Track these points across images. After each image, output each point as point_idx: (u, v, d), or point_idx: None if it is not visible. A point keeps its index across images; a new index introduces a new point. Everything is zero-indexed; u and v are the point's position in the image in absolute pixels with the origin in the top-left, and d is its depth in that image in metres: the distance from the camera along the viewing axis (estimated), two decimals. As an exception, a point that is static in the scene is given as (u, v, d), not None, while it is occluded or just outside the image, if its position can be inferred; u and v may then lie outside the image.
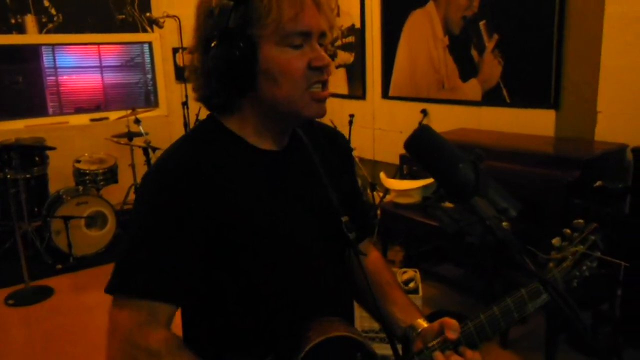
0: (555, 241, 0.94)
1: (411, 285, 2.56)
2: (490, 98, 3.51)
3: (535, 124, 3.24)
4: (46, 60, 6.33)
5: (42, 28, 4.94)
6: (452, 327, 0.90)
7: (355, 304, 1.16)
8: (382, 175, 3.36)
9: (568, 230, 0.96)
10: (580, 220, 0.96)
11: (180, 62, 5.54)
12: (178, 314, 0.96)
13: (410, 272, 2.61)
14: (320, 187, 1.00)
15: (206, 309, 0.94)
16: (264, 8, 0.84)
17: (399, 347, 1.02)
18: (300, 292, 0.96)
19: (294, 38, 0.86)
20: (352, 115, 3.65)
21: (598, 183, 2.38)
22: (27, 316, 3.29)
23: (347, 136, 3.98)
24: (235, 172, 0.92)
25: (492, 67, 3.46)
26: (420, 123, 0.80)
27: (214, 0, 0.88)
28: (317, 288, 0.99)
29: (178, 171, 0.88)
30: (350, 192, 1.09)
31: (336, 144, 1.11)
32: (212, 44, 0.87)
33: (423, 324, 0.99)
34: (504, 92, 3.41)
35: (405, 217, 2.97)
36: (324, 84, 0.91)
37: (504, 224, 0.71)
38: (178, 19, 4.83)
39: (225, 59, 0.85)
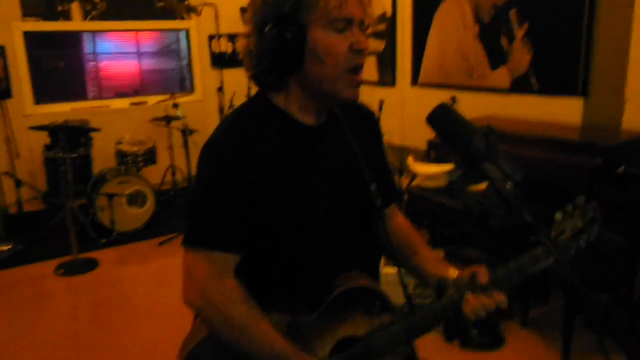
0: (558, 215, 1.06)
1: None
2: (519, 86, 3.57)
3: (563, 111, 3.29)
4: (87, 46, 6.62)
5: (86, 15, 5.17)
6: (481, 273, 1.04)
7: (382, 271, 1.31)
8: (409, 159, 3.48)
9: (570, 206, 1.08)
10: (582, 197, 1.07)
11: (216, 49, 5.72)
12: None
13: (436, 252, 2.73)
14: (352, 158, 1.14)
15: (251, 259, 1.09)
16: None
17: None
18: (329, 250, 1.11)
19: (338, 23, 1.00)
20: (382, 101, 3.77)
21: (620, 169, 2.44)
22: (75, 285, 3.54)
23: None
24: (279, 142, 1.06)
25: (521, 55, 3.52)
26: (442, 103, 0.89)
27: None
28: (345, 246, 1.14)
29: (231, 142, 1.03)
30: (378, 164, 1.23)
31: (367, 121, 1.26)
32: (267, 28, 1.01)
33: (454, 273, 1.13)
34: (533, 80, 3.46)
35: (432, 200, 3.08)
36: (360, 68, 1.05)
37: (508, 186, 0.84)
38: (215, 7, 5.00)
39: (279, 40, 1.00)
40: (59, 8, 5.03)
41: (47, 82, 5.40)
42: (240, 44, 1.09)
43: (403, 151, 4.73)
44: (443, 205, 3.04)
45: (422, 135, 4.14)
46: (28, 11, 4.90)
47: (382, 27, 4.83)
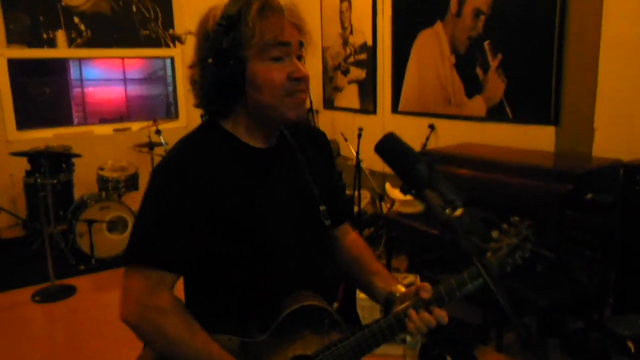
0: (494, 234, 1.12)
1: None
2: (494, 114, 3.67)
3: (536, 139, 3.39)
4: (73, 72, 6.65)
5: (71, 43, 5.23)
6: (425, 288, 1.08)
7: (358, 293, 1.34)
8: (387, 185, 3.53)
9: (506, 225, 1.13)
10: (516, 218, 1.13)
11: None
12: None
13: (410, 277, 2.76)
14: (302, 180, 1.18)
15: (201, 280, 1.12)
16: (250, 32, 1.03)
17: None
18: (281, 269, 1.14)
19: (273, 50, 1.05)
20: (360, 129, 3.86)
21: (589, 195, 2.51)
22: (52, 312, 3.50)
23: (357, 148, 4.15)
24: (229, 165, 1.09)
25: (496, 84, 3.62)
26: (389, 133, 0.94)
27: (209, 25, 1.06)
28: (296, 266, 1.16)
29: (181, 164, 1.07)
30: (329, 185, 1.27)
31: (317, 142, 1.29)
32: (209, 62, 1.05)
33: (401, 289, 1.17)
34: (507, 108, 3.56)
35: (409, 225, 3.13)
36: (302, 92, 1.09)
37: (447, 211, 0.88)
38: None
39: (219, 74, 1.04)
40: (44, 35, 5.08)
41: (33, 108, 5.42)
42: (187, 73, 1.14)
43: (384, 177, 4.79)
44: (420, 231, 3.08)
45: (402, 161, 4.21)
46: (13, 38, 4.94)
47: (362, 56, 4.94)
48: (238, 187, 1.08)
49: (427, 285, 1.09)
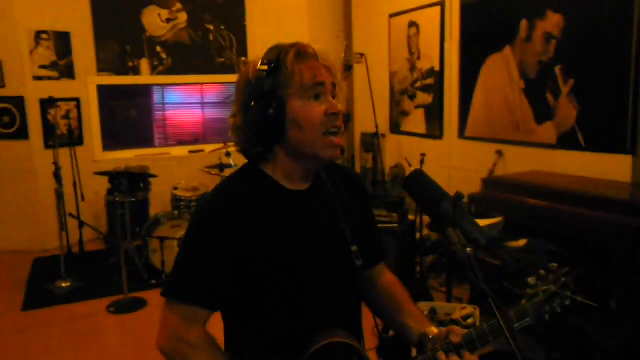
0: (531, 280, 1.09)
1: (469, 321, 2.62)
2: (565, 141, 3.51)
3: (611, 169, 3.20)
4: (156, 97, 7.09)
5: (153, 70, 5.62)
6: (456, 332, 1.08)
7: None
8: (449, 213, 3.46)
9: (542, 271, 1.10)
10: (554, 264, 1.09)
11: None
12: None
13: (469, 308, 2.68)
14: (335, 220, 1.21)
15: (237, 315, 1.18)
16: (289, 74, 1.10)
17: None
18: (314, 307, 1.17)
19: (312, 90, 1.11)
20: (423, 154, 3.84)
21: (665, 231, 2.34)
22: (124, 322, 3.72)
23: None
24: (266, 207, 1.15)
25: (567, 110, 3.48)
26: (418, 167, 0.95)
27: (250, 73, 1.14)
28: (329, 305, 1.19)
29: (220, 206, 1.14)
30: (362, 225, 1.28)
31: (352, 183, 1.32)
32: (251, 106, 1.12)
33: (434, 330, 1.17)
34: (579, 135, 3.40)
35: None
36: (337, 131, 1.14)
37: (468, 249, 0.88)
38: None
39: (263, 115, 1.10)
40: (130, 63, 5.51)
41: (120, 130, 5.85)
42: (229, 121, 1.21)
43: (450, 203, 4.70)
44: (481, 261, 2.98)
45: (468, 187, 4.11)
46: (102, 66, 5.40)
47: (429, 80, 4.92)
48: (275, 227, 1.14)
49: (457, 328, 1.10)
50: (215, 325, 1.24)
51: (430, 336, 1.15)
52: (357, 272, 1.21)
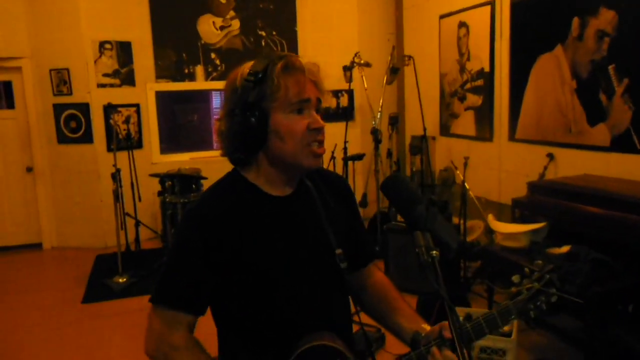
0: (515, 278, 1.06)
1: (506, 328, 2.56)
2: (620, 144, 3.34)
3: (669, 172, 3.02)
4: (214, 102, 7.36)
5: (208, 76, 5.84)
6: (447, 328, 1.07)
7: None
8: (490, 217, 3.38)
9: (527, 269, 1.07)
10: (539, 261, 1.06)
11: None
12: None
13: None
14: (319, 225, 1.23)
15: (226, 323, 1.22)
16: (275, 87, 1.12)
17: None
18: (300, 311, 1.19)
19: (296, 105, 1.13)
20: (466, 158, 3.77)
21: None
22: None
23: (463, 177, 4.02)
24: (249, 215, 1.18)
25: (621, 112, 3.31)
26: (395, 172, 0.94)
27: (237, 81, 1.16)
28: (313, 308, 1.21)
29: (204, 213, 1.17)
30: (348, 228, 1.30)
31: (336, 188, 1.33)
32: (235, 114, 1.15)
33: (427, 327, 1.18)
34: (635, 138, 3.22)
35: (509, 260, 2.95)
36: (320, 142, 1.16)
37: (434, 253, 0.88)
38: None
39: (245, 123, 1.13)
40: (186, 70, 5.75)
41: (177, 134, 6.13)
42: (216, 125, 1.24)
43: (501, 207, 4.56)
44: (522, 267, 2.87)
45: (519, 191, 3.98)
46: (160, 73, 5.67)
47: (479, 82, 4.81)
48: (258, 235, 1.17)
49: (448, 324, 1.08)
50: (214, 328, 1.29)
51: (424, 334, 1.15)
52: (343, 275, 1.22)
